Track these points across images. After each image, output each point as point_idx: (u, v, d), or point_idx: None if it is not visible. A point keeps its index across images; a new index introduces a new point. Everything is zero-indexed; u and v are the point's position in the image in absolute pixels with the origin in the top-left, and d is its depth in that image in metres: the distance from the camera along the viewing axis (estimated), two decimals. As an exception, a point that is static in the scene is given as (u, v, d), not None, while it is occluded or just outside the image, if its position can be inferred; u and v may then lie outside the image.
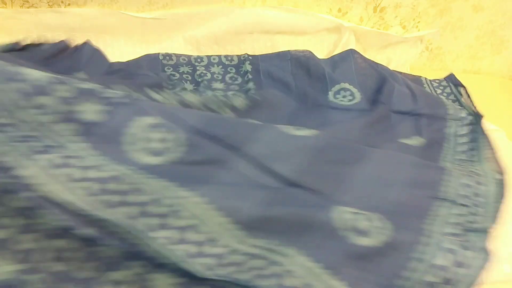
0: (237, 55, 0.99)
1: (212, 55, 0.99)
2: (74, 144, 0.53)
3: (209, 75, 0.93)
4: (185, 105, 0.71)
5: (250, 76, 0.91)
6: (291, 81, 0.91)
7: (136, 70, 0.85)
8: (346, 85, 0.89)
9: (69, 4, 1.03)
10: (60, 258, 0.49)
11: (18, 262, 0.47)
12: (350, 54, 0.97)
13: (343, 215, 0.57)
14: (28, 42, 0.82)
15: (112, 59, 1.02)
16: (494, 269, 0.60)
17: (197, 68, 0.94)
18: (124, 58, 1.02)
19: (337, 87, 0.88)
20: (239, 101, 0.75)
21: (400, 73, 1.02)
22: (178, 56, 0.97)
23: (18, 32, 0.99)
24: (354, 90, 0.88)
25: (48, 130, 0.52)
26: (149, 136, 0.55)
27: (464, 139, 0.82)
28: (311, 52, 0.97)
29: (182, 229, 0.53)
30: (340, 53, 1.00)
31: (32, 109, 0.51)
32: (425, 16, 1.10)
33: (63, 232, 0.48)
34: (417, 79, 1.04)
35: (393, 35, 1.07)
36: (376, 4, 1.08)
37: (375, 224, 0.58)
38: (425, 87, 1.02)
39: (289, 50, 0.98)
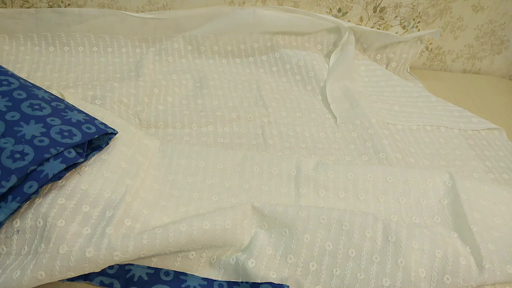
0: None
1: None
2: None
3: None
4: None
5: None
6: None
7: None
8: None
9: (69, 4, 1.03)
10: None
11: None
12: None
13: None
14: None
15: (112, 59, 1.02)
16: (497, 270, 0.60)
17: None
18: (124, 58, 1.02)
19: None
20: None
21: None
22: None
23: (18, 32, 0.99)
24: None
25: None
26: None
27: None
28: None
29: None
30: None
31: None
32: (425, 16, 1.10)
33: None
34: None
35: (393, 35, 1.07)
36: (376, 4, 1.08)
37: None
38: None
39: None
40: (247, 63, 1.07)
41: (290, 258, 0.61)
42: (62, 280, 0.56)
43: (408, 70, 1.15)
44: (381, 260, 0.60)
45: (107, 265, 0.54)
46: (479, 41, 1.17)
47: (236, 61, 1.07)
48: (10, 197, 0.53)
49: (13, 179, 0.53)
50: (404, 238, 0.61)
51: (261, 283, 0.58)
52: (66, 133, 0.60)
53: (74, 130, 0.61)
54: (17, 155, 0.55)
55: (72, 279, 0.57)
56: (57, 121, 0.62)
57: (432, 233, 0.63)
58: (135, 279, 0.58)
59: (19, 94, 0.64)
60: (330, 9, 1.08)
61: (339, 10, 1.09)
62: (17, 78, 0.68)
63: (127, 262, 0.57)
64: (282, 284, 0.58)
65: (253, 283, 0.58)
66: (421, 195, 0.70)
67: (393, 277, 0.59)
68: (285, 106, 0.95)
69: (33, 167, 0.54)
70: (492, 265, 0.60)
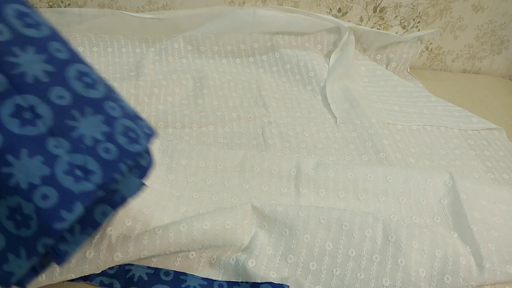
0: None
1: None
2: None
3: None
4: None
5: None
6: None
7: None
8: None
9: (69, 4, 1.03)
10: None
11: None
12: None
13: None
14: None
15: (112, 59, 1.02)
16: (497, 270, 0.60)
17: None
18: (124, 58, 1.02)
19: None
20: None
21: None
22: None
23: (18, 32, 0.99)
24: None
25: None
26: None
27: None
28: None
29: None
30: None
31: None
32: (425, 16, 1.10)
33: None
34: None
35: (393, 35, 1.07)
36: (376, 4, 1.08)
37: None
38: None
39: None
40: (247, 63, 1.07)
41: (290, 258, 0.61)
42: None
43: (408, 70, 1.15)
44: (381, 260, 0.60)
45: (108, 266, 0.54)
46: (479, 41, 1.17)
47: (236, 61, 1.07)
48: (77, 227, 0.40)
49: (78, 209, 0.36)
50: (404, 238, 0.61)
51: (261, 283, 0.58)
52: (132, 134, 0.41)
53: (137, 129, 0.43)
54: (79, 172, 0.37)
55: (72, 279, 0.57)
56: (118, 110, 0.42)
57: (432, 233, 0.63)
58: (135, 279, 0.58)
59: (57, 50, 0.39)
60: (330, 9, 1.08)
61: (339, 10, 1.09)
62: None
63: (127, 263, 0.58)
64: (282, 284, 0.58)
65: (253, 283, 0.58)
66: (421, 195, 0.70)
67: (393, 277, 0.59)
68: (285, 106, 0.95)
69: (103, 193, 0.38)
70: (492, 265, 0.60)
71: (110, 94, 0.41)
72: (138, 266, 0.59)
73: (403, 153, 0.84)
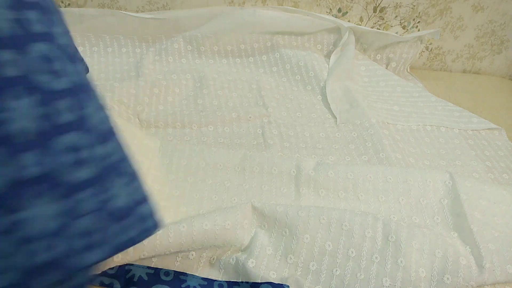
0: None
1: None
2: None
3: None
4: None
5: None
6: None
7: None
8: None
9: (69, 4, 1.03)
10: None
11: None
12: None
13: None
14: None
15: (112, 59, 1.02)
16: (497, 270, 0.60)
17: None
18: (124, 58, 1.02)
19: None
20: None
21: None
22: None
23: (18, 32, 0.99)
24: None
25: None
26: None
27: None
28: None
29: None
30: None
31: None
32: (425, 16, 1.10)
33: None
34: None
35: (393, 35, 1.07)
36: (376, 4, 1.08)
37: None
38: None
39: None
40: (247, 63, 1.07)
41: (290, 258, 0.61)
42: (62, 280, 0.56)
43: (408, 70, 1.15)
44: (381, 260, 0.60)
45: (108, 267, 0.54)
46: (479, 41, 1.17)
47: (236, 61, 1.07)
48: None
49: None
50: (404, 238, 0.61)
51: (261, 283, 0.58)
52: (85, 240, 0.31)
53: (101, 235, 0.32)
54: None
55: (72, 279, 0.57)
56: (92, 203, 0.32)
57: (432, 233, 0.63)
58: (135, 279, 0.58)
59: (67, 109, 0.32)
60: (330, 9, 1.08)
61: (339, 10, 1.09)
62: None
63: (127, 263, 0.58)
64: (282, 284, 0.58)
65: (253, 283, 0.58)
66: (421, 195, 0.70)
67: (393, 277, 0.59)
68: (285, 106, 0.95)
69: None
70: (492, 264, 0.60)
71: (103, 177, 0.31)
72: (138, 266, 0.59)
73: (403, 153, 0.84)
